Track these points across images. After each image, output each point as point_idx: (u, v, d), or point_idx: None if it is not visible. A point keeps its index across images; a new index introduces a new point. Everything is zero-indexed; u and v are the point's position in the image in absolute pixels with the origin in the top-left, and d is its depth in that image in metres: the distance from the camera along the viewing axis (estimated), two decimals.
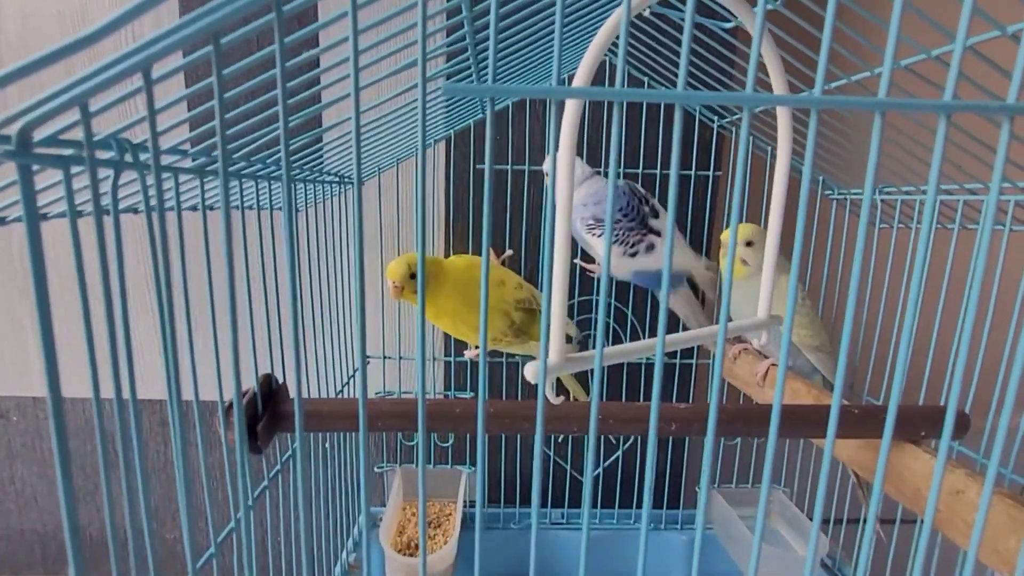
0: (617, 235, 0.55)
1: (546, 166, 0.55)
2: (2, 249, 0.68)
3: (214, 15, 0.15)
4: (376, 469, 0.69)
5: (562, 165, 0.19)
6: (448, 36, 0.44)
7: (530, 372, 0.22)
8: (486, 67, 0.42)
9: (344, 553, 0.61)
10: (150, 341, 0.68)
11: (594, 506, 0.69)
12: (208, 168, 0.27)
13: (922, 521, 0.21)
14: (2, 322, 0.70)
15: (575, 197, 0.55)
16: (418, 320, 0.20)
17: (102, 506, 0.69)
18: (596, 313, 0.68)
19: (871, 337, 0.55)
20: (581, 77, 0.17)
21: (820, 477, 0.20)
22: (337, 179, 0.53)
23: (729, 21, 0.42)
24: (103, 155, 0.20)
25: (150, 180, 0.29)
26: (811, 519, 0.61)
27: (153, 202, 0.24)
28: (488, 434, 0.70)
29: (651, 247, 0.55)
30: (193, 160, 0.28)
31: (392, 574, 0.56)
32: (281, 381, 0.38)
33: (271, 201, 0.42)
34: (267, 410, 0.34)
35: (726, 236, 0.50)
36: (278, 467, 0.43)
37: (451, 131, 0.62)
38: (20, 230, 0.19)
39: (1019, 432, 0.41)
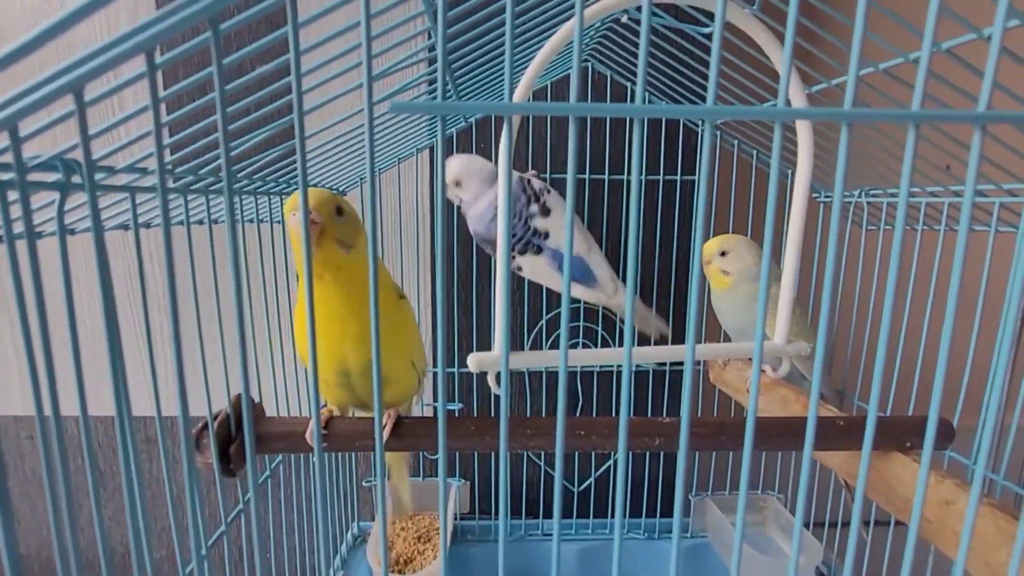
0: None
1: (449, 178, 0.54)
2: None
3: (148, 31, 0.14)
4: (364, 483, 0.67)
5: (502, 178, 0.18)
6: (429, 49, 0.43)
7: (473, 362, 0.22)
8: (463, 81, 0.42)
9: (331, 571, 0.60)
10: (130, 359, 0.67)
11: (588, 517, 0.68)
12: (147, 186, 0.26)
13: (906, 528, 0.21)
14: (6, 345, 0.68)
15: (481, 206, 0.54)
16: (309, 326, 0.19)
17: (87, 527, 0.68)
18: (569, 320, 0.67)
19: (860, 340, 0.54)
20: (520, 92, 0.17)
21: (800, 485, 0.19)
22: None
23: (710, 25, 0.42)
24: (48, 177, 0.20)
25: (105, 201, 0.28)
26: (807, 526, 0.61)
27: (111, 221, 0.23)
28: (465, 451, 0.69)
29: (538, 248, 0.55)
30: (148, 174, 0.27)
31: None
32: (257, 400, 0.37)
33: (258, 214, 0.41)
34: (240, 431, 0.34)
35: (705, 251, 0.50)
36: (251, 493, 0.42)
37: (435, 139, 0.61)
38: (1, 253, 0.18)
39: (1011, 434, 0.41)
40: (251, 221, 0.42)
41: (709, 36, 0.42)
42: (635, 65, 0.55)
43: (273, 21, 0.54)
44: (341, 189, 0.59)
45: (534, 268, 0.54)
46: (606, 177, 0.62)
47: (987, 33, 0.28)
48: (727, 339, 0.58)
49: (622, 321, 0.66)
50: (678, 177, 0.62)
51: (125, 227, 0.32)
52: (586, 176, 0.61)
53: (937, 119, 0.16)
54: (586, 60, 0.59)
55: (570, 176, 0.16)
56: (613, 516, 0.68)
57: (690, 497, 0.67)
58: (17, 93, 0.15)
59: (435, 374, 0.67)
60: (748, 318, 0.51)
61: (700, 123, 0.59)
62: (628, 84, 0.59)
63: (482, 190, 0.54)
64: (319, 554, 0.40)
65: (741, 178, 0.60)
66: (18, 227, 0.22)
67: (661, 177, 0.62)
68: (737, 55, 0.40)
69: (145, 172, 0.26)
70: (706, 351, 0.33)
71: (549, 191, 0.55)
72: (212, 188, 0.31)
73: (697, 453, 0.69)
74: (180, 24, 0.15)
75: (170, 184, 0.27)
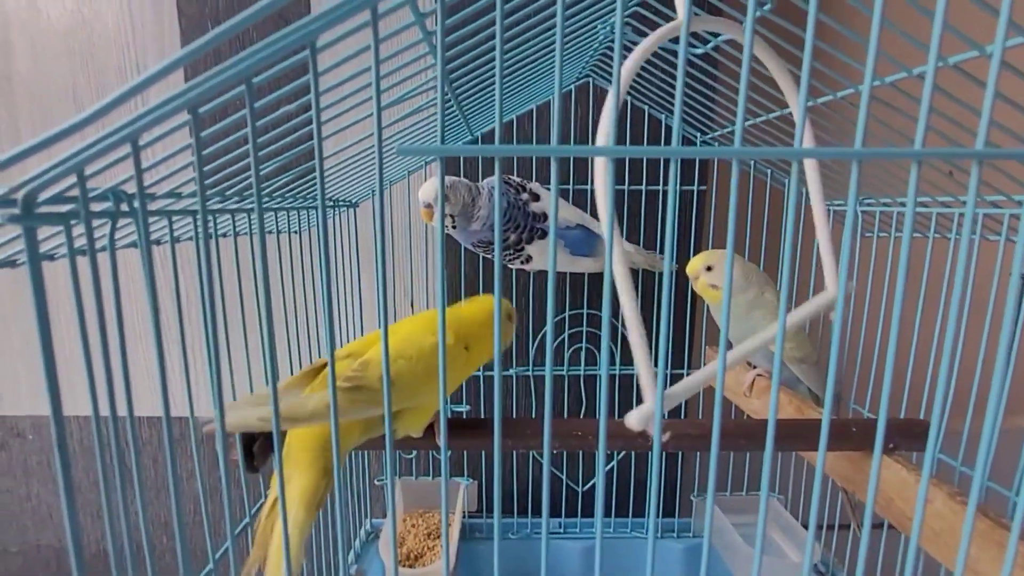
0: (507, 254, 0.57)
1: (424, 195, 0.56)
2: (19, 278, 0.71)
3: (191, 93, 0.17)
4: (376, 482, 0.70)
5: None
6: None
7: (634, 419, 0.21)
8: (466, 97, 0.44)
9: (346, 565, 0.63)
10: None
11: (590, 516, 0.70)
12: (188, 209, 0.29)
13: (891, 528, 0.22)
14: (20, 345, 0.73)
15: (475, 225, 0.56)
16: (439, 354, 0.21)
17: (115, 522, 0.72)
18: (590, 326, 0.69)
19: (855, 343, 0.56)
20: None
21: (813, 491, 0.21)
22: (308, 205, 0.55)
23: (699, 46, 0.44)
24: (101, 206, 0.23)
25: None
26: (805, 526, 0.62)
27: (160, 238, 0.26)
28: (471, 450, 0.71)
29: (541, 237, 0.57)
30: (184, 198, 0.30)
31: None
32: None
33: (288, 226, 0.44)
34: (262, 432, 0.36)
35: (689, 269, 0.52)
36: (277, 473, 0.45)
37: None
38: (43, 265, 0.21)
39: (993, 437, 0.42)
40: (271, 232, 0.45)
41: (701, 56, 0.44)
42: (634, 80, 0.57)
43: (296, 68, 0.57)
44: (355, 200, 0.62)
45: (544, 252, 0.57)
46: (626, 188, 0.64)
47: (989, 51, 0.27)
48: (730, 346, 0.60)
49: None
50: (695, 187, 0.64)
51: (158, 242, 0.35)
52: (588, 188, 0.64)
53: (939, 156, 0.18)
54: (587, 76, 0.62)
55: (552, 206, 0.19)
56: (618, 515, 0.70)
57: (691, 497, 0.68)
58: (85, 145, 0.18)
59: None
60: (745, 325, 0.53)
61: (697, 136, 0.61)
62: (628, 98, 0.61)
63: (469, 205, 0.57)
64: (339, 529, 0.43)
65: (754, 195, 0.62)
66: (60, 249, 0.25)
67: (665, 187, 0.64)
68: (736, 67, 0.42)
69: (181, 196, 0.29)
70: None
71: (529, 181, 0.58)
72: (240, 208, 0.34)
73: (698, 454, 0.71)
74: (220, 84, 0.17)
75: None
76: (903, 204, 0.52)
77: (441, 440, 0.21)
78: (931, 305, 0.47)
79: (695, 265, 0.53)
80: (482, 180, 0.59)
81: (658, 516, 0.70)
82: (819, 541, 0.60)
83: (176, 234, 0.36)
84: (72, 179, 0.19)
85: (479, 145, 0.23)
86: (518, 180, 0.58)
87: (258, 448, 0.35)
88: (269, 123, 0.25)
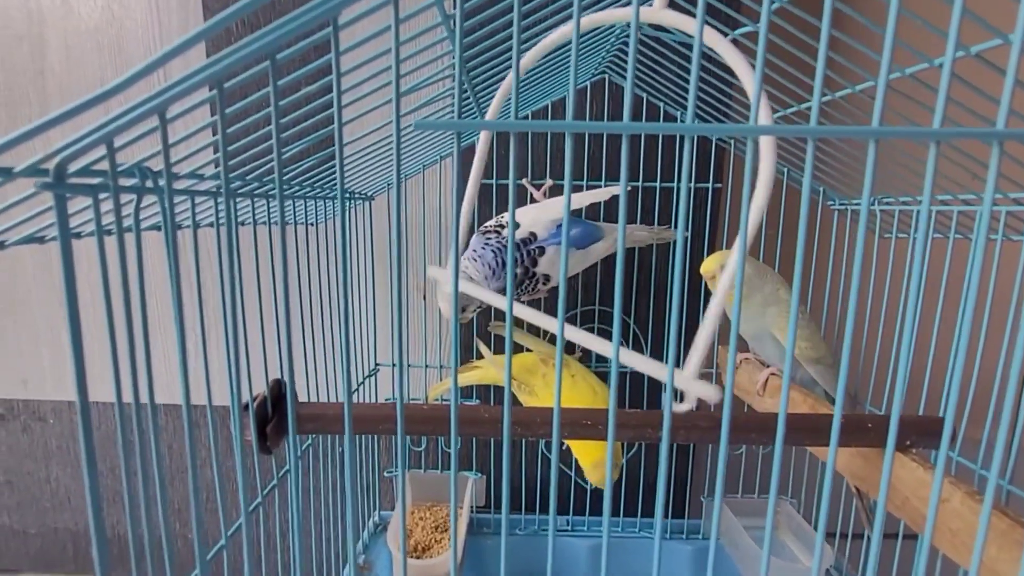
0: (525, 288, 0.56)
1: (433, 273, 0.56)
2: (44, 264, 0.73)
3: (216, 66, 0.18)
4: (385, 474, 0.71)
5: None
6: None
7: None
8: (483, 90, 0.45)
9: (354, 554, 0.63)
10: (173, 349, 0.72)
11: (598, 514, 0.70)
12: (212, 190, 0.29)
13: (907, 537, 0.22)
14: (43, 330, 0.75)
15: (494, 286, 0.55)
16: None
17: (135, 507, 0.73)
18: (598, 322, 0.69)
19: (872, 345, 0.55)
20: (493, 109, 0.19)
21: (824, 485, 0.21)
22: (347, 196, 0.56)
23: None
24: (127, 182, 0.23)
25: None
26: (815, 529, 0.61)
27: (180, 218, 0.27)
28: (480, 437, 0.72)
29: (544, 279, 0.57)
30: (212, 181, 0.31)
31: None
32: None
33: (299, 216, 0.45)
34: (276, 412, 0.37)
35: (704, 269, 0.53)
36: (287, 468, 0.45)
37: (461, 146, 0.64)
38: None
39: (1015, 443, 0.41)
40: (288, 223, 0.46)
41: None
42: (648, 76, 0.57)
43: (317, 47, 0.58)
44: (370, 194, 0.63)
45: (553, 263, 0.56)
46: (640, 184, 0.64)
47: (1012, 37, 0.27)
48: (744, 346, 0.59)
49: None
50: (692, 184, 0.64)
51: (180, 226, 0.36)
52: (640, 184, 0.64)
53: (958, 136, 0.17)
54: (603, 72, 0.62)
55: (567, 187, 0.19)
56: (627, 515, 0.69)
57: (701, 499, 0.68)
58: (114, 115, 0.18)
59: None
60: (760, 323, 0.53)
61: (730, 141, 0.61)
62: (644, 95, 0.61)
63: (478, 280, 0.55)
64: (347, 515, 0.44)
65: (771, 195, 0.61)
66: (85, 227, 0.26)
67: (693, 184, 0.63)
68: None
69: (202, 178, 0.29)
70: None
71: (502, 216, 0.58)
72: (260, 192, 0.35)
73: (708, 455, 0.70)
74: (244, 58, 0.18)
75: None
76: (920, 201, 0.51)
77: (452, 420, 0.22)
78: (951, 307, 0.46)
79: (710, 265, 0.53)
80: (469, 249, 0.58)
81: (667, 517, 0.69)
82: (833, 547, 0.59)
83: (197, 219, 0.37)
84: (99, 152, 0.20)
85: (495, 120, 0.23)
86: (494, 223, 0.57)
87: (271, 430, 0.36)
88: (289, 104, 0.26)
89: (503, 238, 0.56)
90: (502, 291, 0.55)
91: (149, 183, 0.24)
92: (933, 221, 0.49)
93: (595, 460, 0.56)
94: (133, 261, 0.22)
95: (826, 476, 0.24)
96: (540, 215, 0.57)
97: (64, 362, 0.75)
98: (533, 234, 0.56)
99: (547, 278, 0.57)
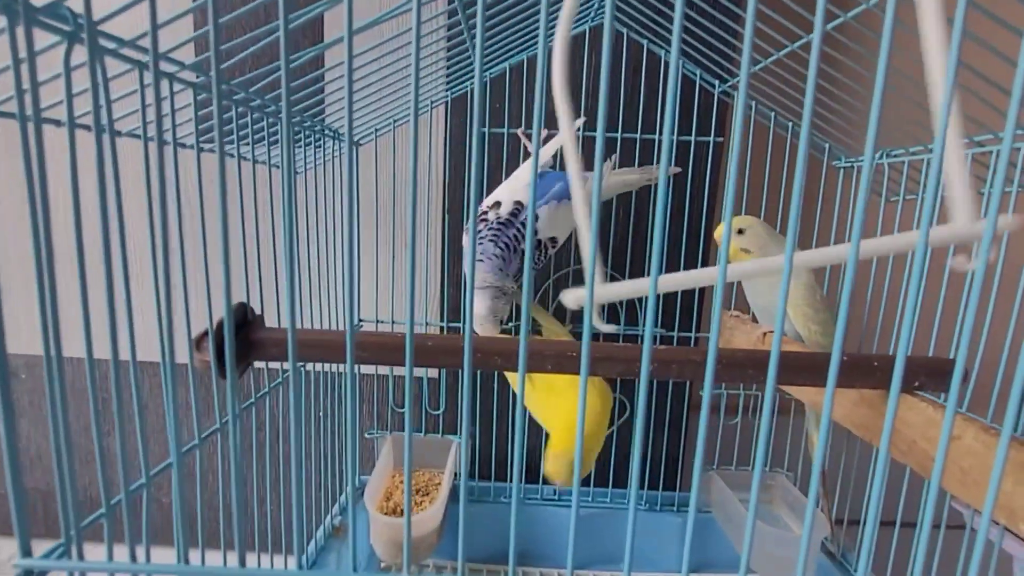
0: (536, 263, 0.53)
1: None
2: (25, 215, 0.70)
3: None
4: (367, 435, 0.68)
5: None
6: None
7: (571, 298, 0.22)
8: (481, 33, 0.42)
9: (329, 517, 0.61)
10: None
11: (586, 485, 0.67)
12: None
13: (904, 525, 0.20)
14: (17, 284, 0.72)
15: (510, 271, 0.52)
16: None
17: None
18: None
19: (876, 310, 0.52)
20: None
21: (819, 436, 0.19)
22: (332, 134, 0.54)
23: None
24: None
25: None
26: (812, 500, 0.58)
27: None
28: (460, 369, 0.69)
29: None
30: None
31: (377, 536, 0.55)
32: (258, 313, 0.38)
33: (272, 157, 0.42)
34: (239, 336, 0.34)
35: (718, 233, 0.50)
36: (252, 400, 0.43)
37: (449, 96, 0.62)
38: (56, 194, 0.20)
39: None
40: (276, 167, 0.43)
41: None
42: (651, 22, 0.55)
43: None
44: (357, 139, 0.60)
45: (553, 219, 0.53)
46: (638, 136, 0.62)
47: None
48: (754, 319, 0.57)
49: None
50: (692, 138, 0.61)
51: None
52: (618, 135, 0.61)
53: None
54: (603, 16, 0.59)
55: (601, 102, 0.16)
56: (616, 486, 0.67)
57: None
58: None
59: (439, 325, 0.67)
60: (772, 293, 0.51)
61: (716, 84, 0.59)
62: (644, 42, 0.59)
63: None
64: (347, 451, 0.41)
65: (757, 141, 0.59)
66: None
67: (693, 138, 0.61)
68: None
69: (182, 65, 0.27)
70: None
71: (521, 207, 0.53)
72: (256, 105, 0.32)
73: (702, 426, 0.68)
74: None
75: (170, 69, 0.28)
76: (931, 149, 0.48)
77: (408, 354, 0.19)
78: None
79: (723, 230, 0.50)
80: (468, 256, 0.54)
81: (658, 489, 0.66)
82: (830, 520, 0.56)
83: (180, 139, 0.35)
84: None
85: None
86: (483, 208, 0.54)
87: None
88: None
89: (492, 221, 0.52)
90: (519, 272, 0.53)
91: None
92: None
93: (557, 450, 0.47)
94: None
95: (822, 417, 0.22)
96: (515, 184, 0.55)
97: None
98: (519, 203, 0.53)
99: (553, 241, 0.54)
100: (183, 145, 0.40)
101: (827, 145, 0.58)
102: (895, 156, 0.51)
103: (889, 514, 0.47)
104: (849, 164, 0.58)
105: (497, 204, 0.53)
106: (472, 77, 0.59)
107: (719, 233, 0.50)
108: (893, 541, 0.49)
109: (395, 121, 0.60)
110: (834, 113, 0.52)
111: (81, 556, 0.23)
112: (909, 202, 0.53)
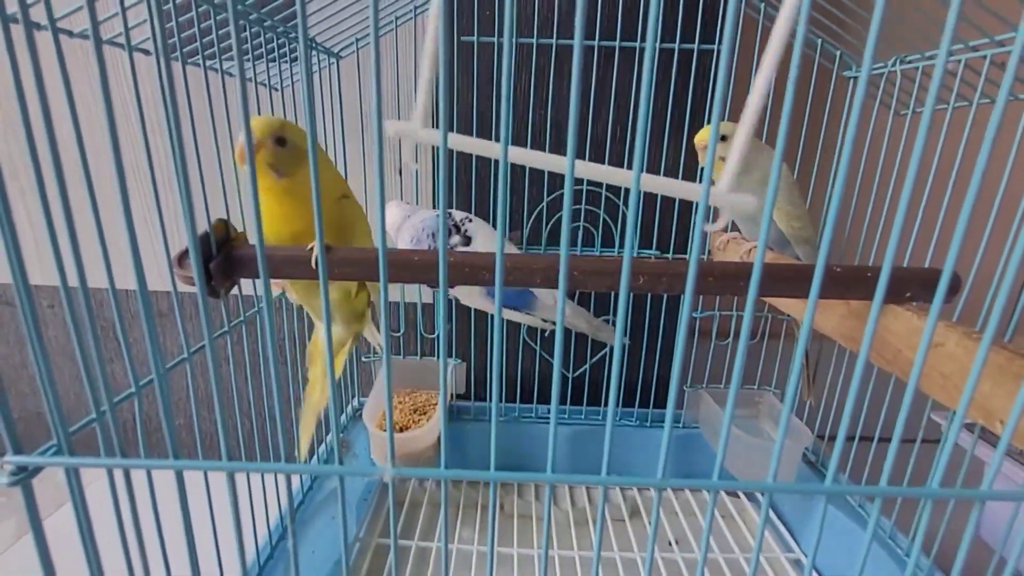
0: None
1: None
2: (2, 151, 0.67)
3: None
4: (363, 359, 0.70)
5: None
6: None
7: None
8: None
9: (333, 432, 0.63)
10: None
11: (581, 403, 0.69)
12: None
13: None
14: (23, 217, 0.71)
15: (407, 235, 0.53)
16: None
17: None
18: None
19: (874, 225, 0.51)
20: None
21: (796, 349, 0.18)
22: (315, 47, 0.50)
23: None
24: None
25: None
26: (800, 419, 0.61)
27: None
28: (446, 284, 0.70)
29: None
30: None
31: (376, 451, 0.57)
32: (240, 230, 0.37)
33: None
34: (221, 252, 0.34)
35: (699, 138, 0.48)
36: (242, 319, 0.43)
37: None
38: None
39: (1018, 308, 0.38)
40: (249, 80, 0.41)
41: None
42: None
43: None
44: (337, 50, 0.57)
45: (470, 294, 0.55)
46: (617, 44, 0.58)
47: None
48: (735, 227, 0.56)
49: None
50: (675, 45, 0.57)
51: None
52: (595, 43, 0.57)
53: None
54: None
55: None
56: (606, 404, 0.69)
57: (684, 388, 0.67)
58: None
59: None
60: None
61: None
62: None
63: (402, 220, 0.54)
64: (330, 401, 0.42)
65: (745, 42, 0.55)
66: None
67: (677, 46, 0.57)
68: None
69: None
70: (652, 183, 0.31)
71: (471, 219, 0.53)
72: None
73: (695, 348, 0.69)
74: None
75: None
76: (950, 57, 0.45)
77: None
78: (963, 182, 0.42)
79: (705, 135, 0.48)
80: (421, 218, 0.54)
81: (651, 407, 0.69)
82: (815, 436, 0.59)
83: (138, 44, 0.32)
84: None
85: None
86: (459, 217, 0.53)
87: (215, 267, 0.33)
88: None
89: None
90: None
91: None
92: (959, 77, 0.44)
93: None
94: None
95: (803, 326, 0.22)
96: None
97: (44, 243, 0.72)
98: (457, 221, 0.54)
99: (457, 299, 0.57)
100: (146, 52, 0.37)
101: (838, 53, 0.54)
102: (910, 63, 0.48)
103: (871, 431, 0.49)
104: (859, 73, 0.54)
105: (468, 241, 0.53)
106: None
107: (700, 137, 0.48)
108: (870, 455, 0.51)
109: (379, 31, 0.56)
110: (850, 15, 0.48)
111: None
112: (919, 115, 0.51)
